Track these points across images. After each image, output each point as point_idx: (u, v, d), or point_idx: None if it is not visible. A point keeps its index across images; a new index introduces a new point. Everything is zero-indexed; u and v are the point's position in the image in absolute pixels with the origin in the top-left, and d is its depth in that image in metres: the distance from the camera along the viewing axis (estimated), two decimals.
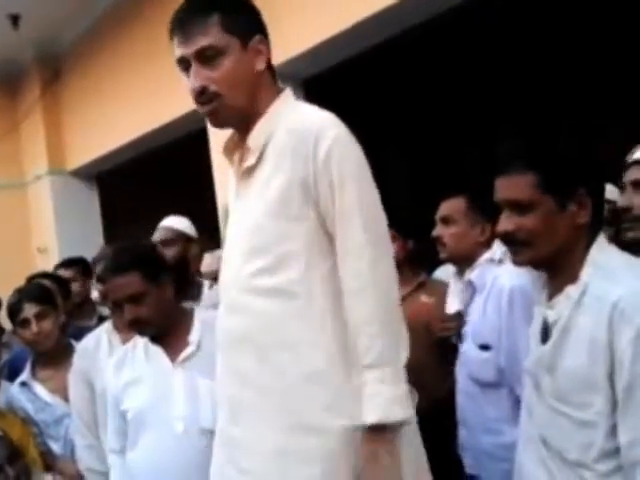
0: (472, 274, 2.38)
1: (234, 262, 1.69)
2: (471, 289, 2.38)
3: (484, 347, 2.25)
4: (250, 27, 1.66)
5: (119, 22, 6.02)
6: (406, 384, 1.54)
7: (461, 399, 2.40)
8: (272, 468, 1.61)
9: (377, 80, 6.01)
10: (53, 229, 7.17)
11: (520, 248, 1.61)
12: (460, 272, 2.50)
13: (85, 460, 2.74)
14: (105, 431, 2.50)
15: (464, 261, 2.46)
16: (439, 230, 2.53)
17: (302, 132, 1.58)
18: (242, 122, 1.68)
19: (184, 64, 1.65)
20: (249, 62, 1.64)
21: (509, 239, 1.62)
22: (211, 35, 1.60)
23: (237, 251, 1.68)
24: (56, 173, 7.25)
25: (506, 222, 1.60)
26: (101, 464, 2.62)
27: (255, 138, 1.65)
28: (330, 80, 5.07)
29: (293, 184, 1.58)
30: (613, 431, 1.48)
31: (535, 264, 1.66)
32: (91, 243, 6.04)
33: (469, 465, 2.40)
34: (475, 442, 2.33)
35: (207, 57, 1.61)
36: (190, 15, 1.63)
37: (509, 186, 1.59)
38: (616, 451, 1.49)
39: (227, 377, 1.73)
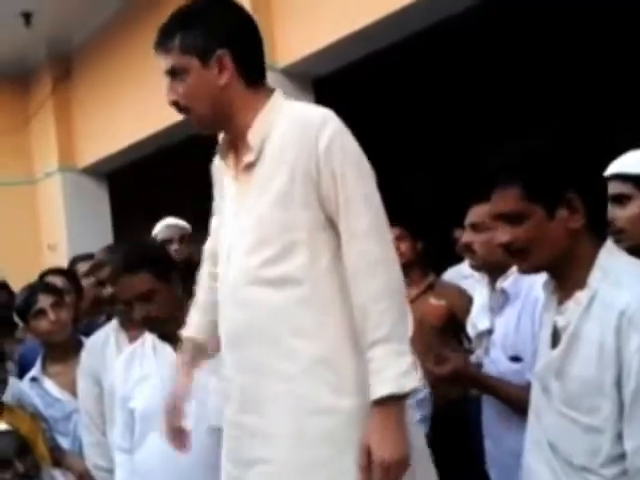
0: (505, 282, 2.28)
1: (237, 258, 1.73)
2: (503, 298, 2.29)
3: (515, 359, 2.18)
4: (209, 45, 1.72)
5: (131, 21, 6.04)
6: (411, 356, 1.61)
7: (487, 409, 2.32)
8: (292, 452, 1.66)
9: (388, 81, 6.00)
10: (63, 226, 7.19)
11: (520, 258, 1.64)
12: (492, 281, 2.37)
13: (92, 457, 2.75)
14: (112, 428, 2.51)
15: (495, 269, 2.33)
16: (469, 237, 2.39)
17: (303, 125, 1.67)
18: (224, 126, 1.79)
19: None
20: (211, 78, 1.72)
21: (507, 250, 1.65)
22: (171, 57, 1.73)
23: (241, 246, 1.73)
24: (67, 170, 7.27)
25: (502, 234, 1.64)
26: (108, 461, 2.64)
27: (253, 136, 1.72)
28: (341, 80, 5.07)
29: (297, 174, 1.65)
30: (620, 437, 1.48)
31: (537, 271, 1.68)
32: (101, 241, 6.03)
33: (494, 477, 2.31)
34: (501, 454, 2.24)
35: (176, 74, 1.74)
36: (159, 37, 1.77)
37: (498, 200, 1.64)
38: (622, 456, 1.49)
39: (236, 369, 1.76)
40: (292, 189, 1.65)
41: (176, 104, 1.77)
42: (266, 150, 1.70)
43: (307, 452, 1.65)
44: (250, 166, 1.73)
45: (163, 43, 1.75)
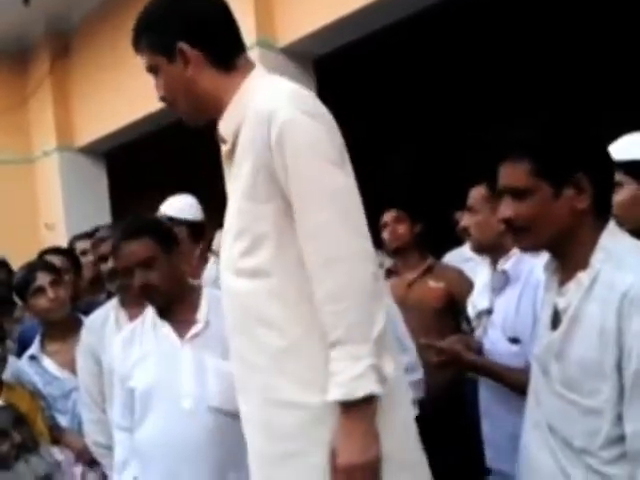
0: (507, 264, 2.29)
1: (226, 245, 1.74)
2: (504, 279, 2.30)
3: (514, 340, 2.19)
4: (169, 41, 1.71)
5: None
6: (374, 358, 1.51)
7: (484, 391, 2.34)
8: (262, 443, 1.69)
9: (387, 60, 5.98)
10: (61, 206, 7.16)
11: (520, 234, 1.64)
12: (493, 262, 2.39)
13: (92, 434, 2.77)
14: (111, 406, 2.52)
15: (492, 250, 2.36)
16: (466, 220, 2.43)
17: (259, 116, 1.59)
18: (208, 115, 1.77)
19: None
20: (179, 72, 1.71)
21: (509, 225, 1.65)
22: (145, 57, 1.77)
23: (228, 234, 1.73)
24: (64, 149, 7.23)
25: (505, 209, 1.64)
26: (108, 438, 2.65)
27: (226, 125, 1.70)
28: (341, 59, 5.04)
29: (259, 167, 1.60)
30: (619, 419, 1.49)
31: (537, 249, 1.69)
32: (99, 220, 6.01)
33: (490, 457, 2.33)
34: (498, 434, 2.26)
35: (153, 72, 1.77)
36: (132, 40, 1.80)
37: (507, 173, 1.64)
38: (621, 438, 1.49)
39: (233, 355, 1.79)
40: (256, 182, 1.60)
41: (164, 99, 1.79)
42: (240, 139, 1.65)
43: (274, 444, 1.64)
44: (229, 155, 1.71)
45: (135, 45, 1.80)
